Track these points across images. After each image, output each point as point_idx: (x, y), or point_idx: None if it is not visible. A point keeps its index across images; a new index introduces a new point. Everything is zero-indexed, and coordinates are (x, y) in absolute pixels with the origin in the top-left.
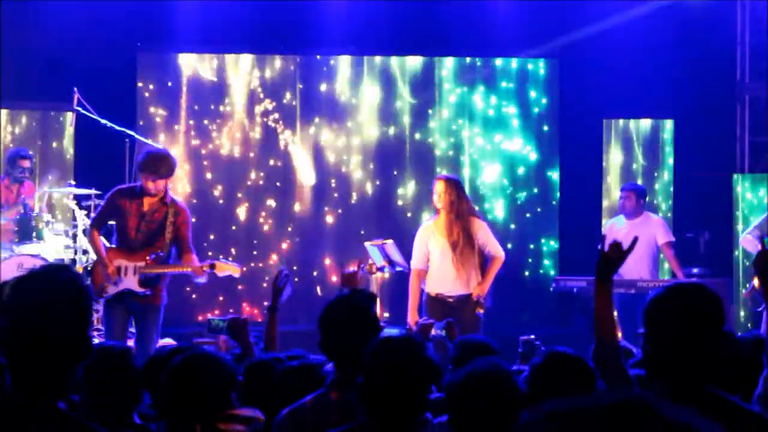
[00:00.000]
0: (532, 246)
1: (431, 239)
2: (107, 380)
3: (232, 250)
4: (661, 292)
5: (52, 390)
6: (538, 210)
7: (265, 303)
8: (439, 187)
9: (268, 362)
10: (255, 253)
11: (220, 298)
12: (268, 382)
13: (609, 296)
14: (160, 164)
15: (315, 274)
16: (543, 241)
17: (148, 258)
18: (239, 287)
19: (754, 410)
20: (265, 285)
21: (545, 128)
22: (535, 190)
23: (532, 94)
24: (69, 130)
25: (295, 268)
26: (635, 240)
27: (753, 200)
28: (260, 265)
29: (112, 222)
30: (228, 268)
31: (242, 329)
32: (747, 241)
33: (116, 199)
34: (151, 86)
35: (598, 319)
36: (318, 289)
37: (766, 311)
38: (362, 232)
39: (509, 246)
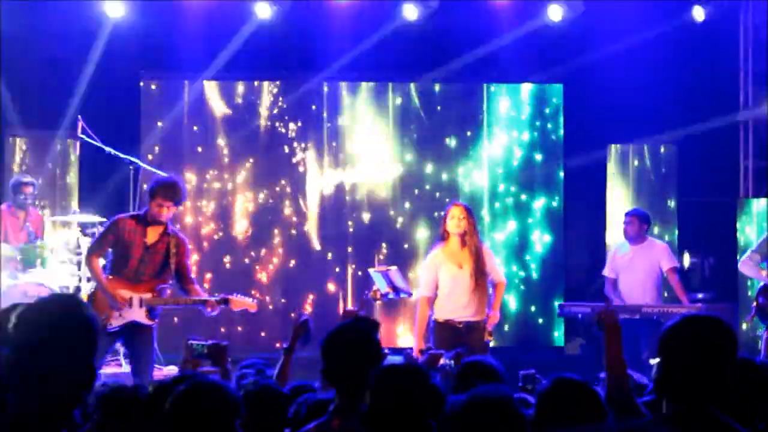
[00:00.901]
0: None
1: (442, 266)
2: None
3: (255, 293)
4: (677, 321)
5: (57, 419)
6: (542, 233)
7: (283, 345)
8: (458, 212)
9: (274, 391)
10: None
11: (239, 329)
12: (275, 411)
13: (619, 345)
14: (176, 191)
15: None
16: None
17: (155, 290)
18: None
19: None
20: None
21: (551, 152)
22: (540, 214)
23: (536, 119)
24: (73, 158)
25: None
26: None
27: (752, 224)
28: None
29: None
30: (243, 304)
31: (222, 355)
32: (746, 266)
33: (118, 229)
34: (155, 113)
35: (609, 367)
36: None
37: (766, 335)
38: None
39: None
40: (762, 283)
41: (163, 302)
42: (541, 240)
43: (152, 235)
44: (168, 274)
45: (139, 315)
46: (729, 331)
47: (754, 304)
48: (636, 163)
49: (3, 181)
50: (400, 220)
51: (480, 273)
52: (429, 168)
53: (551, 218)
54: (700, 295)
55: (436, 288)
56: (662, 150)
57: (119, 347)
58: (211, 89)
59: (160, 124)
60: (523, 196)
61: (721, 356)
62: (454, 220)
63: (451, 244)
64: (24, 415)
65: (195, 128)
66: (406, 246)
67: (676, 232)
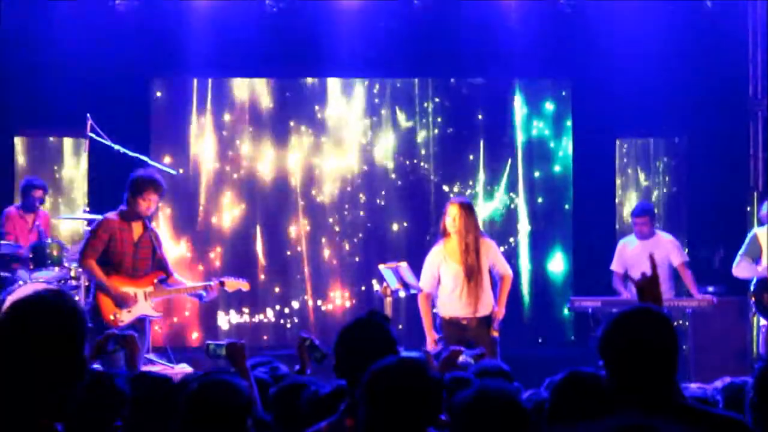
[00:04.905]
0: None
1: (443, 264)
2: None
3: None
4: (608, 325)
5: (49, 412)
6: (552, 228)
7: (295, 368)
8: (453, 211)
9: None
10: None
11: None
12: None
13: None
14: (161, 184)
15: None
16: (556, 259)
17: (154, 283)
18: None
19: (728, 414)
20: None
21: (558, 147)
22: (549, 209)
23: (544, 113)
24: (83, 157)
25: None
26: (652, 258)
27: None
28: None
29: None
30: (237, 285)
31: (239, 354)
32: (742, 268)
33: (109, 227)
34: (164, 111)
35: None
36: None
37: (765, 331)
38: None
39: (526, 264)
40: (756, 280)
41: (167, 293)
42: (550, 235)
43: (137, 230)
44: (162, 266)
45: (146, 309)
46: (663, 318)
47: (752, 300)
48: (645, 157)
49: (12, 182)
50: (405, 216)
51: (475, 270)
52: (436, 164)
53: (560, 213)
54: (710, 289)
55: (437, 284)
56: (672, 143)
57: None
58: (220, 87)
59: (166, 121)
60: (531, 191)
61: (660, 345)
62: (449, 218)
63: (452, 241)
64: (17, 408)
65: (202, 124)
66: (408, 246)
67: (687, 225)
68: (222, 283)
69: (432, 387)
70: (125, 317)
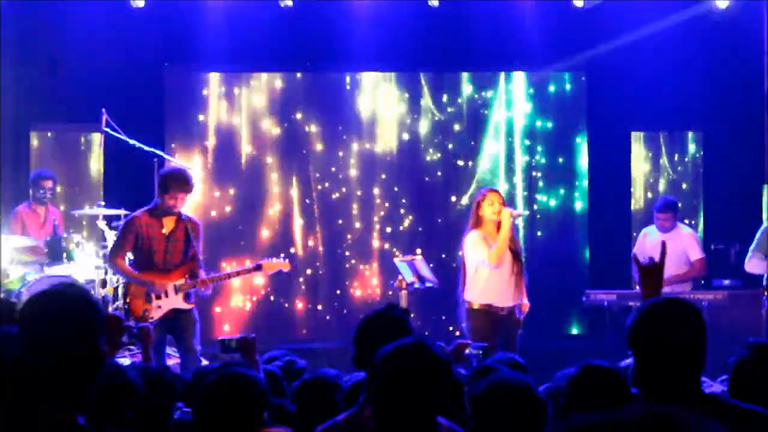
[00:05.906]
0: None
1: (486, 249)
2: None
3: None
4: (639, 315)
5: (70, 404)
6: (567, 222)
7: None
8: (497, 198)
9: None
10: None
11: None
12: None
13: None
14: (187, 181)
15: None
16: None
17: (186, 276)
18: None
19: (752, 407)
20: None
21: (573, 141)
22: (564, 203)
23: (559, 107)
24: (98, 151)
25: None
26: (663, 246)
27: None
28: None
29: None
30: (277, 266)
31: (250, 348)
32: (754, 264)
33: (136, 226)
34: (178, 105)
35: None
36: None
37: None
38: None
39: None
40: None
41: (200, 284)
42: (565, 229)
43: (168, 224)
44: (195, 257)
45: (177, 302)
46: (693, 312)
47: (765, 294)
48: (661, 150)
49: (28, 176)
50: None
51: (520, 256)
52: (449, 158)
53: (575, 206)
54: (726, 282)
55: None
56: (687, 137)
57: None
58: (236, 81)
59: (180, 115)
60: (547, 185)
61: (690, 336)
62: (495, 206)
63: (487, 230)
64: (39, 401)
65: (216, 118)
66: (427, 237)
67: (703, 218)
68: (259, 267)
69: (440, 366)
70: (155, 312)
